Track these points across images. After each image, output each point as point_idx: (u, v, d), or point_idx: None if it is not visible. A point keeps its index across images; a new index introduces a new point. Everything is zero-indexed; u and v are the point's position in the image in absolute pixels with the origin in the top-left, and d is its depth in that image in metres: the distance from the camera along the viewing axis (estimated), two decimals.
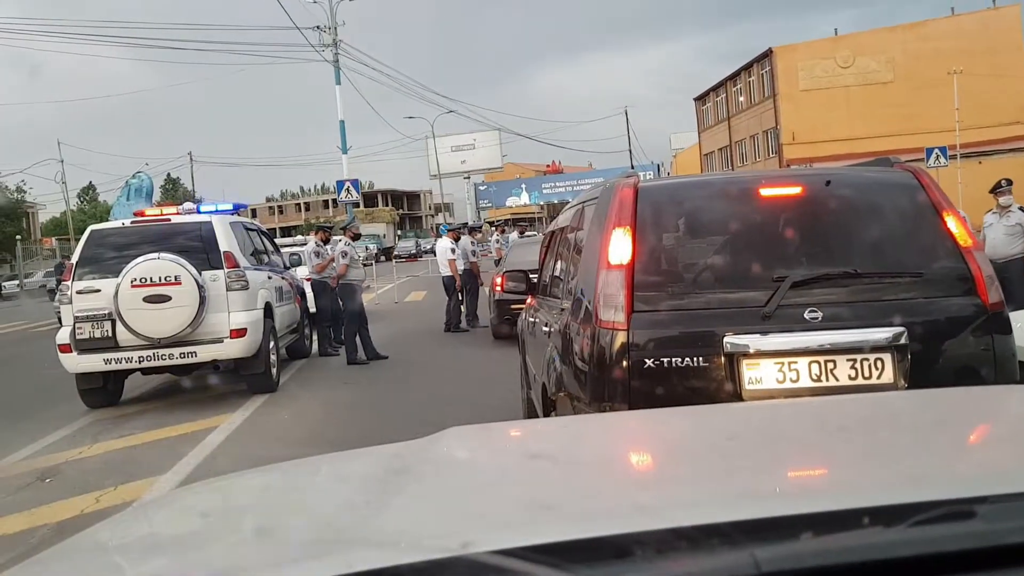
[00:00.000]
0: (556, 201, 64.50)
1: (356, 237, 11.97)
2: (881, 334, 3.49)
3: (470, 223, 21.78)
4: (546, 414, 4.60)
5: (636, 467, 1.59)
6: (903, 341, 3.48)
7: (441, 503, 1.32)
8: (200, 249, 8.94)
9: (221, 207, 10.60)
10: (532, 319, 5.67)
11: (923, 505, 0.98)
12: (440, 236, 17.54)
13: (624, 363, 3.53)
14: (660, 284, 3.70)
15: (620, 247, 3.66)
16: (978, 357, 3.62)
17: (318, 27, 30.93)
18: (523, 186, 68.13)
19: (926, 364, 3.52)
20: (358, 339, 11.34)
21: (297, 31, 31.34)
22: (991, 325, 3.62)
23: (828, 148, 39.58)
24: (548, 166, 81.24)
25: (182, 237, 9.10)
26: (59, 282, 22.23)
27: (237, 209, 11.22)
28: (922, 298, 3.66)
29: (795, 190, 3.98)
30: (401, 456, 1.64)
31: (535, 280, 5.97)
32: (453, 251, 14.69)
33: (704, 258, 3.87)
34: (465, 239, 15.14)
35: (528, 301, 6.23)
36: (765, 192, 3.94)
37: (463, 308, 14.79)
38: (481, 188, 68.17)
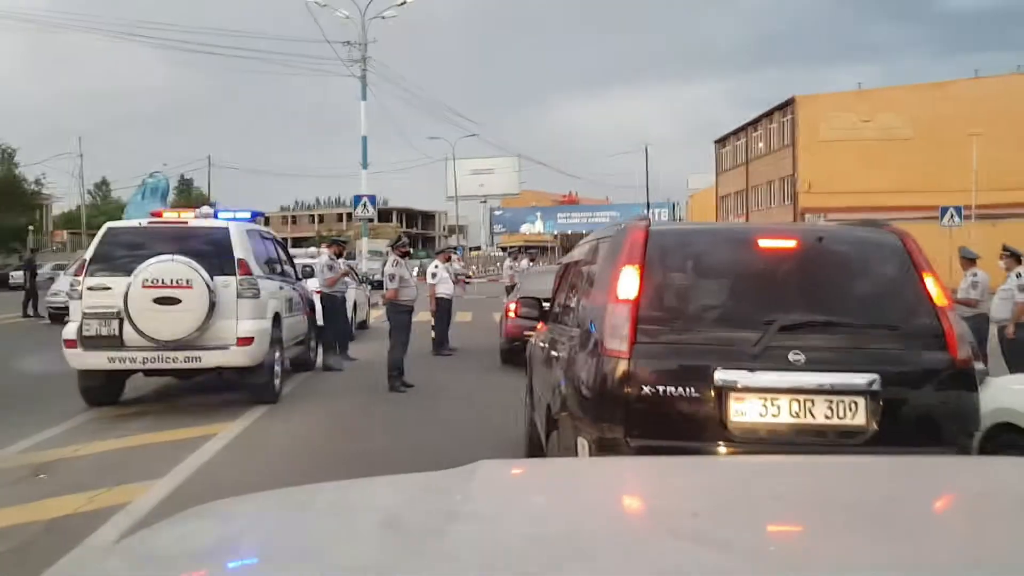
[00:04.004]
0: (570, 232, 64.65)
1: (405, 255, 11.59)
2: (857, 379, 3.80)
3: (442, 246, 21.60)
4: (548, 434, 4.90)
5: (670, 516, 1.54)
6: (876, 387, 3.78)
7: (486, 545, 1.29)
8: (214, 254, 8.93)
9: (239, 215, 10.51)
10: (542, 344, 5.93)
11: None
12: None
13: (624, 389, 3.84)
14: (662, 319, 4.00)
15: (628, 283, 3.99)
16: (943, 408, 3.94)
17: (348, 42, 31.24)
18: (538, 214, 68.34)
19: (896, 410, 3.83)
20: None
21: (327, 44, 31.53)
22: (958, 380, 3.94)
23: (844, 199, 39.58)
24: (565, 196, 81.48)
25: (197, 241, 9.09)
26: (30, 275, 22.56)
27: (255, 217, 11.21)
28: (896, 349, 3.99)
29: (790, 243, 4.35)
30: (438, 490, 1.62)
31: (547, 308, 6.16)
32: (434, 275, 14.64)
33: (703, 298, 4.19)
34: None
35: (539, 327, 6.40)
36: (763, 243, 4.31)
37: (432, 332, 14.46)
38: (496, 213, 68.42)
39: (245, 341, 8.80)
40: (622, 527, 1.48)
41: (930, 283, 4.06)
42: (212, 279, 8.63)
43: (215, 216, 10.14)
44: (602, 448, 3.84)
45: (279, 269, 10.81)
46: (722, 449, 3.78)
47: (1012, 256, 10.72)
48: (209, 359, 8.77)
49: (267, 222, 25.41)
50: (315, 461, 6.81)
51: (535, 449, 5.83)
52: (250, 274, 9.03)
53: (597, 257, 4.73)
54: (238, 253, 9.00)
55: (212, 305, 8.56)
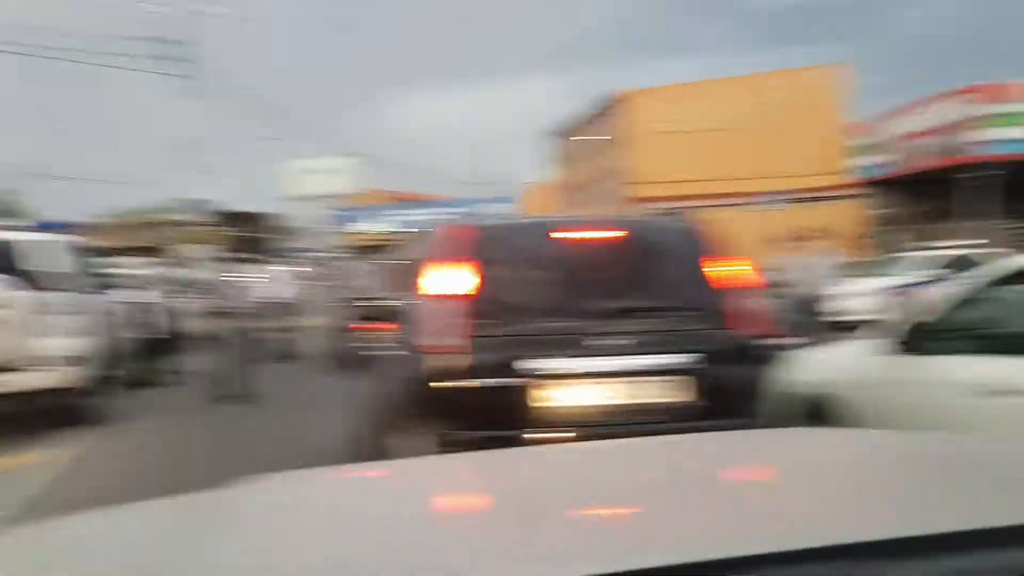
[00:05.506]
0: (414, 229, 64.10)
1: (236, 260, 11.16)
2: (668, 360, 4.08)
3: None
4: (378, 436, 4.94)
5: (484, 511, 1.52)
6: (686, 366, 4.07)
7: (233, 567, 1.23)
8: (8, 269, 8.29)
9: (32, 226, 9.87)
10: (371, 345, 5.91)
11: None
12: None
13: (449, 384, 3.98)
14: (483, 314, 4.13)
15: (449, 280, 4.12)
16: (749, 381, 4.24)
17: (168, 40, 29.77)
18: (379, 212, 67.48)
19: (705, 386, 4.12)
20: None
21: (151, 44, 29.84)
22: (761, 354, 4.28)
23: (673, 189, 41.48)
24: (406, 193, 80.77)
25: None
26: None
27: (53, 227, 10.57)
28: (704, 329, 4.28)
29: (601, 234, 4.63)
30: (188, 512, 1.53)
31: (378, 308, 6.17)
32: (260, 279, 14.27)
33: (524, 291, 4.37)
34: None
35: (371, 327, 6.41)
36: (579, 235, 4.57)
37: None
38: (336, 213, 66.95)
39: (58, 361, 8.25)
40: (429, 527, 1.42)
41: (733, 266, 4.38)
42: (17, 295, 8.02)
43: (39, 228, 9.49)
44: (424, 444, 3.89)
45: (92, 281, 10.16)
46: (544, 435, 3.92)
47: (812, 236, 11.57)
48: (23, 381, 8.17)
49: (84, 232, 23.96)
50: (148, 485, 6.48)
51: (369, 453, 5.82)
52: (56, 289, 8.47)
53: (420, 255, 4.82)
54: (32, 266, 8.41)
55: (22, 323, 7.97)
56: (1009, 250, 14.87)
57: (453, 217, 4.77)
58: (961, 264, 14.95)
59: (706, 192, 40.05)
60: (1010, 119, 28.98)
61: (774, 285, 11.34)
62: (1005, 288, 4.34)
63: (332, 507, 1.58)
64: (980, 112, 28.96)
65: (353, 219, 67.86)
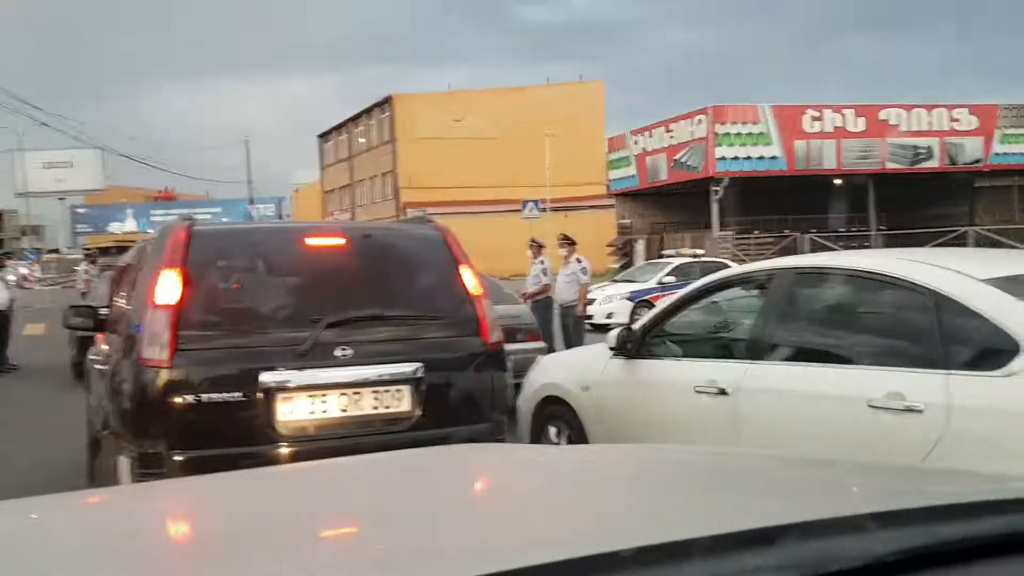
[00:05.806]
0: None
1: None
2: (400, 368, 4.00)
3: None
4: (93, 456, 4.70)
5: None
6: (419, 375, 4.01)
7: None
8: None
9: None
10: (93, 356, 5.56)
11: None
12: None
13: (166, 400, 3.69)
14: (206, 324, 3.89)
15: (169, 287, 3.81)
16: (479, 388, 4.28)
17: None
18: (130, 211, 63.02)
19: (437, 394, 4.09)
20: None
21: None
22: (491, 361, 4.30)
23: (442, 194, 42.03)
24: (160, 192, 75.86)
25: None
26: None
27: None
28: (437, 337, 4.24)
29: (338, 241, 4.48)
30: None
31: (106, 315, 5.70)
32: None
33: (250, 300, 4.13)
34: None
35: (97, 337, 5.93)
36: (310, 241, 4.40)
37: None
38: (80, 211, 61.90)
39: None
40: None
41: (467, 274, 4.36)
42: None
43: None
44: (144, 465, 3.64)
45: None
46: (274, 451, 3.77)
47: (569, 243, 11.97)
48: None
49: None
50: None
51: (82, 479, 5.36)
52: None
53: (143, 260, 4.49)
54: None
55: None
56: (728, 260, 16.44)
57: (169, 222, 4.43)
58: (686, 272, 16.69)
59: (473, 199, 41.08)
60: (735, 139, 32.22)
61: (531, 293, 11.73)
62: (716, 296, 4.75)
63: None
64: (711, 132, 31.93)
65: (98, 218, 62.94)
